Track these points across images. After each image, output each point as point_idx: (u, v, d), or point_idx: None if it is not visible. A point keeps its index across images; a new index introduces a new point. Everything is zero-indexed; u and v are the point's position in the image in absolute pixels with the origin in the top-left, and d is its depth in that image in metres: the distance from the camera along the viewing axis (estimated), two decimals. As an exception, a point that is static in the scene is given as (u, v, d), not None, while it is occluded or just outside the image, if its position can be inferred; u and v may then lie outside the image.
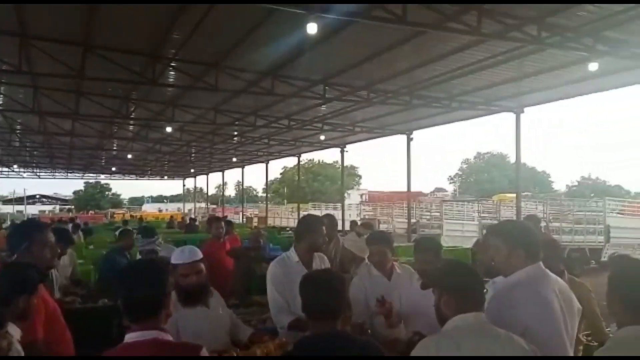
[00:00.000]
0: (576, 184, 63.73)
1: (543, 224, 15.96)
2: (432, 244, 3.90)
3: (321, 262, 3.93)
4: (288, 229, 22.58)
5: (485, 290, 2.34)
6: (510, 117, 13.33)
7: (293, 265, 3.74)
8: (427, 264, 3.63)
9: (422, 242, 3.94)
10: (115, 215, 43.36)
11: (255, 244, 7.66)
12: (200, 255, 3.33)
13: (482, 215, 23.12)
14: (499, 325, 2.28)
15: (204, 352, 2.08)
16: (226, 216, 23.59)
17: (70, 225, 16.35)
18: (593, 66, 8.91)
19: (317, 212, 36.25)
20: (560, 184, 68.55)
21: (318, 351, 2.22)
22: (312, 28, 7.11)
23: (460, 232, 20.17)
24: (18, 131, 19.58)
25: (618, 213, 19.05)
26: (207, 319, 3.24)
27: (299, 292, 2.44)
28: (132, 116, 15.45)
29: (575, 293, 2.74)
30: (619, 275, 2.29)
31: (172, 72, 11.26)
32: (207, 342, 3.08)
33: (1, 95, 14.04)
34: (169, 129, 16.91)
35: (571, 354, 2.57)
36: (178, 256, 3.30)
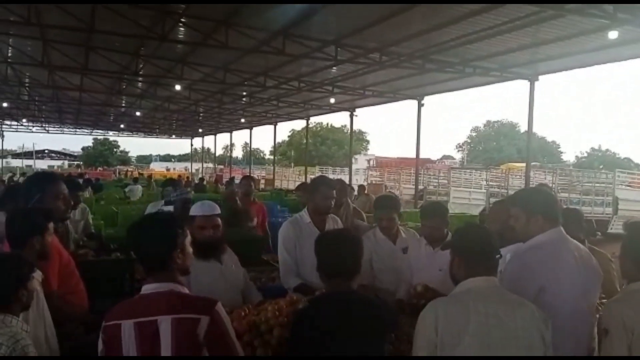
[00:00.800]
0: (585, 155, 63.24)
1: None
2: (439, 209, 3.90)
3: (334, 224, 3.95)
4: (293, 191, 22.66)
5: (499, 256, 2.34)
6: (523, 85, 13.11)
7: (304, 226, 3.77)
8: (434, 229, 3.66)
9: (429, 208, 3.97)
10: (127, 172, 43.54)
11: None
12: (218, 210, 3.38)
13: (490, 183, 23.10)
14: (514, 286, 2.31)
15: (219, 307, 2.11)
16: (233, 177, 23.69)
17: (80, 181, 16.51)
18: (613, 34, 8.68)
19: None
20: (569, 155, 68.23)
21: (333, 309, 2.25)
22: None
23: (467, 199, 20.21)
24: (27, 85, 19.50)
25: (627, 185, 18.95)
26: (220, 275, 3.29)
27: (315, 251, 2.45)
28: (140, 73, 15.32)
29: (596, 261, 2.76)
30: (633, 237, 2.48)
31: (181, 28, 11.09)
32: (219, 298, 3.18)
33: (10, 47, 13.93)
34: (177, 87, 16.80)
35: (589, 318, 2.58)
36: (197, 208, 3.35)
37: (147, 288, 2.09)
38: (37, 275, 2.36)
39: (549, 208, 2.64)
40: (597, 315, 2.55)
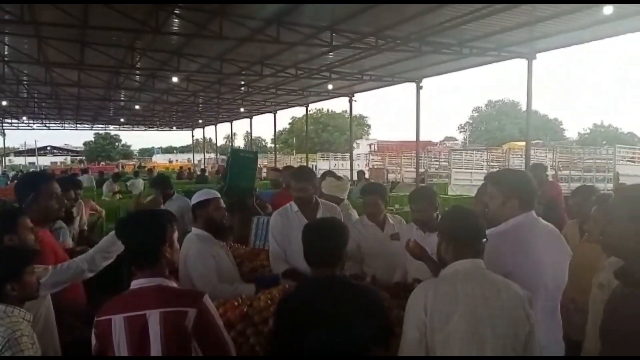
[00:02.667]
0: (588, 131, 62.97)
1: (552, 172, 15.90)
2: (426, 192, 3.96)
3: (327, 212, 3.99)
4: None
5: (485, 240, 2.37)
6: (522, 63, 13.04)
7: (292, 215, 3.85)
8: (421, 212, 3.71)
9: (416, 191, 4.05)
10: (124, 167, 43.66)
11: None
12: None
13: (491, 164, 23.07)
14: (489, 269, 2.35)
15: (207, 299, 2.15)
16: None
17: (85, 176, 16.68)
18: (608, 9, 8.62)
19: (326, 163, 36.34)
20: (572, 132, 67.88)
21: (318, 294, 2.30)
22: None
23: (468, 181, 20.21)
24: (25, 82, 19.51)
25: (628, 161, 18.91)
26: (228, 256, 3.52)
27: (301, 239, 2.50)
28: (137, 66, 15.30)
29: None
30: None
31: (175, 20, 11.05)
32: (233, 278, 3.31)
33: (6, 46, 13.93)
34: (175, 79, 16.77)
35: (558, 296, 2.64)
36: (207, 193, 3.53)
37: (136, 283, 2.14)
38: (38, 271, 2.39)
39: (526, 193, 2.65)
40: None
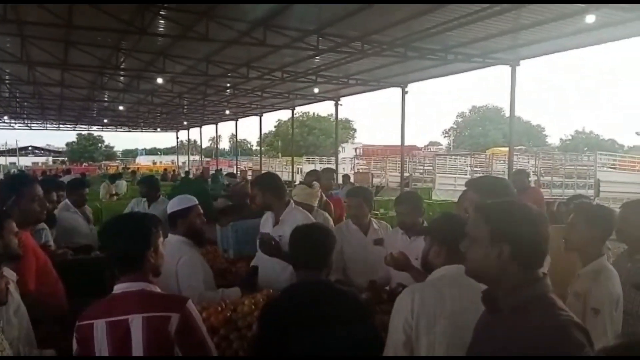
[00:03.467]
0: (570, 137, 63.89)
1: (534, 177, 16.08)
2: (411, 197, 4.00)
3: (317, 218, 4.03)
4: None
5: None
6: (506, 70, 13.19)
7: (267, 220, 3.89)
8: (406, 216, 3.73)
9: (402, 196, 4.10)
10: (108, 168, 43.19)
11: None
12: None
13: (475, 169, 23.26)
14: None
15: (190, 304, 2.14)
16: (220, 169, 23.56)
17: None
18: (590, 18, 8.77)
19: (312, 166, 36.33)
20: (554, 138, 68.90)
21: (303, 297, 2.30)
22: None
23: (452, 185, 20.35)
24: (7, 81, 19.22)
25: (609, 167, 19.21)
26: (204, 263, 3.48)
27: (289, 242, 2.51)
28: (122, 67, 15.16)
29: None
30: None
31: (161, 21, 10.97)
32: (213, 285, 3.33)
33: (-13, 45, 13.70)
34: (160, 80, 16.62)
35: None
36: (188, 200, 3.43)
37: (119, 287, 2.12)
38: (9, 274, 2.35)
39: (505, 198, 2.70)
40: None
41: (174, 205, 3.39)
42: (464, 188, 2.93)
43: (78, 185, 5.86)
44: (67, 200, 5.60)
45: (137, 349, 1.99)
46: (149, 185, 6.11)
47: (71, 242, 4.91)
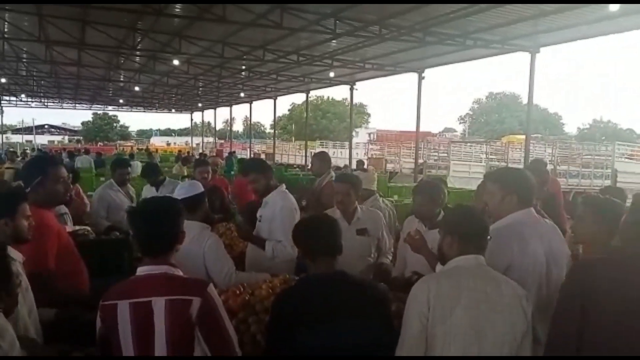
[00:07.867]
0: (587, 126, 62.97)
1: (550, 167, 15.92)
2: (430, 188, 3.85)
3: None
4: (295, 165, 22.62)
5: (490, 237, 2.40)
6: (525, 56, 12.99)
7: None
8: (423, 206, 3.71)
9: (421, 185, 4.02)
10: (124, 148, 43.48)
11: None
12: None
13: (490, 156, 23.06)
14: (490, 264, 2.38)
15: (211, 288, 2.18)
16: (234, 151, 23.65)
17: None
18: (614, 6, 8.58)
19: (325, 150, 36.19)
20: (571, 127, 68.02)
21: (320, 288, 2.31)
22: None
23: (467, 173, 20.21)
24: (24, 60, 19.37)
25: (627, 157, 18.93)
26: None
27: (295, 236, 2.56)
28: (138, 47, 15.18)
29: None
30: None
31: (178, 2, 10.94)
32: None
33: (6, 23, 13.80)
34: (175, 62, 16.67)
35: (553, 294, 2.69)
36: (198, 186, 3.48)
37: (143, 270, 2.16)
38: (15, 255, 2.36)
39: (525, 189, 2.73)
40: None
41: (187, 191, 3.38)
42: (479, 176, 2.92)
43: (121, 165, 6.02)
44: (111, 179, 5.88)
45: (160, 331, 2.03)
46: (151, 172, 6.16)
47: (115, 220, 5.22)
